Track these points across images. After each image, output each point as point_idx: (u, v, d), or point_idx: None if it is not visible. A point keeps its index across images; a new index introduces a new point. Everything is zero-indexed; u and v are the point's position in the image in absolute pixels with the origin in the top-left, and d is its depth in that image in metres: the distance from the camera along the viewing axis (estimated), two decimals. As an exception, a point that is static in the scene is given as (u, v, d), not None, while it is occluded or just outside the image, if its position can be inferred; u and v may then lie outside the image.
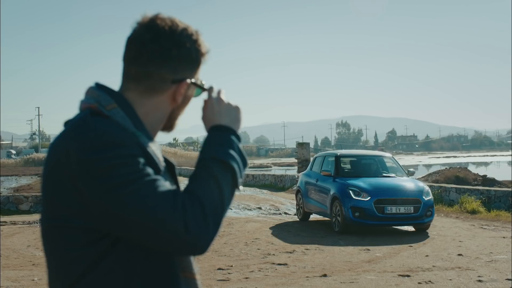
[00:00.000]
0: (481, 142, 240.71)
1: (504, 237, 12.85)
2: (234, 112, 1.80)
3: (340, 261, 10.34)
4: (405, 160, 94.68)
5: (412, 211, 13.44)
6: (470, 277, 8.99)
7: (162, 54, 1.70)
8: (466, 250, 11.35)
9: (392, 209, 13.38)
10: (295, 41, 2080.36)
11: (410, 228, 14.27)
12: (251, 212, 18.99)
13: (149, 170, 1.59)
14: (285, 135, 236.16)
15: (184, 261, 1.74)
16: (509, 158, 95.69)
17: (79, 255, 1.61)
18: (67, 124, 1.71)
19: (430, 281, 8.71)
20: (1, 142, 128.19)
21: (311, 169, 16.87)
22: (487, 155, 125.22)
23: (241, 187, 1.72)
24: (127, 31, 1.79)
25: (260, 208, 19.92)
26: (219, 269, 9.70)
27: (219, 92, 1.83)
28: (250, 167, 71.70)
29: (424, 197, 13.68)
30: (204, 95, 1.85)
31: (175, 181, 1.83)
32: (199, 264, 9.95)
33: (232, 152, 1.69)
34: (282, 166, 76.82)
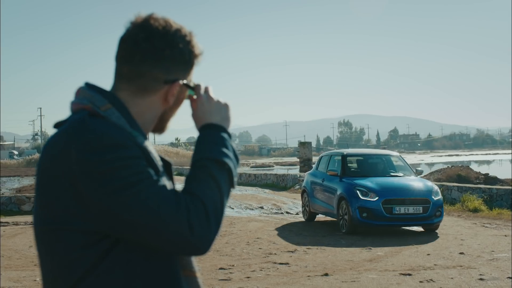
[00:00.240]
0: (483, 141, 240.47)
1: (505, 236, 12.84)
2: (224, 109, 1.81)
3: (342, 260, 10.34)
4: (407, 159, 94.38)
5: (421, 211, 13.20)
6: (472, 275, 8.99)
7: (155, 54, 1.70)
8: (468, 248, 11.35)
9: (401, 209, 13.15)
10: (296, 41, 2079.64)
11: (419, 229, 14.05)
12: (253, 211, 19.00)
13: (151, 171, 1.59)
14: (287, 135, 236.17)
15: (184, 259, 1.73)
16: (510, 157, 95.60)
17: (78, 257, 1.60)
18: (59, 125, 1.70)
19: (431, 280, 8.71)
20: (4, 143, 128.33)
21: (317, 168, 16.62)
22: (489, 154, 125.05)
23: (236, 183, 1.74)
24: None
25: (262, 207, 19.93)
26: (221, 268, 9.71)
27: (207, 90, 1.82)
28: (252, 167, 71.74)
29: (433, 196, 13.46)
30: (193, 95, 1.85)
31: (171, 180, 1.82)
32: (201, 264, 9.96)
33: (226, 151, 1.69)
34: (284, 165, 76.80)
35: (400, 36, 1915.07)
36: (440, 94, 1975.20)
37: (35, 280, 8.95)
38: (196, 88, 1.82)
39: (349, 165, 15.28)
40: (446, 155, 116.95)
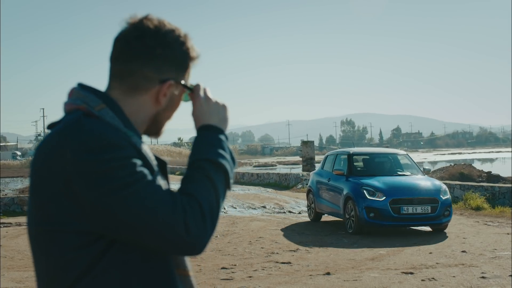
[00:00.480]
0: (486, 139, 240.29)
1: (508, 234, 12.82)
2: (222, 111, 1.81)
3: (344, 259, 10.34)
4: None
5: (429, 211, 12.97)
6: (474, 273, 8.99)
7: (146, 52, 1.70)
8: (470, 246, 11.35)
9: (409, 209, 12.92)
10: (298, 41, 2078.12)
11: (427, 229, 13.84)
12: (255, 211, 18.99)
13: (146, 171, 1.59)
14: (290, 134, 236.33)
15: (177, 258, 1.73)
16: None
17: (73, 258, 1.59)
18: (53, 126, 1.69)
19: (433, 278, 8.71)
20: (7, 144, 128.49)
21: (322, 168, 16.39)
22: (492, 152, 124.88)
23: (232, 186, 1.73)
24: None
25: (264, 207, 19.92)
26: (223, 268, 9.71)
27: (205, 91, 1.82)
28: (255, 166, 71.77)
29: (441, 196, 13.24)
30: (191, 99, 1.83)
31: (166, 179, 1.81)
32: (203, 264, 9.98)
33: (223, 152, 1.70)
34: (287, 164, 76.80)
35: (401, 35, 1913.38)
36: (442, 92, 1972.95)
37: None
38: (195, 88, 1.81)
39: (355, 164, 15.05)
40: (449, 154, 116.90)
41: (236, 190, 27.98)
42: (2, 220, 16.59)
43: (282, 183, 30.83)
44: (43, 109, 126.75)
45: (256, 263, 10.14)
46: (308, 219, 16.27)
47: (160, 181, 1.61)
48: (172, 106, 1.81)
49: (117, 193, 1.53)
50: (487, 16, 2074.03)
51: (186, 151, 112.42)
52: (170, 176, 1.85)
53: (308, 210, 16.51)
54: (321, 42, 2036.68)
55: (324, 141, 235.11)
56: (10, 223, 16.08)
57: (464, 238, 12.43)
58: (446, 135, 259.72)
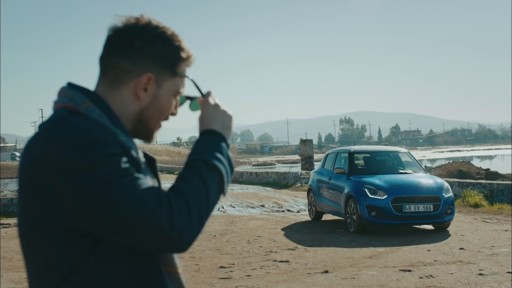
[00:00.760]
0: (485, 136, 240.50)
1: (506, 230, 12.84)
2: (227, 119, 1.80)
3: (342, 257, 10.36)
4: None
5: (432, 209, 12.85)
6: (471, 270, 9.01)
7: (124, 44, 1.71)
8: (468, 244, 11.36)
9: (411, 208, 12.78)
10: (297, 39, 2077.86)
11: (428, 227, 13.73)
12: (254, 210, 18.98)
13: (131, 168, 1.58)
14: (289, 132, 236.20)
15: (165, 255, 1.73)
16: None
17: (61, 256, 1.59)
18: (42, 126, 1.69)
19: (431, 275, 8.72)
20: (5, 145, 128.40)
21: (323, 166, 16.24)
22: (491, 149, 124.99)
23: (227, 191, 1.73)
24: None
25: (263, 205, 19.91)
26: (221, 267, 9.72)
27: (214, 98, 1.83)
28: (254, 165, 71.78)
29: (444, 194, 13.11)
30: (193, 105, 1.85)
31: (155, 176, 1.82)
32: (201, 263, 10.00)
33: (221, 156, 1.69)
34: (286, 163, 76.81)
35: (400, 33, 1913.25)
36: (441, 90, 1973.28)
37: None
38: (206, 95, 1.83)
39: (356, 162, 14.90)
40: (448, 151, 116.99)
41: (235, 189, 27.97)
42: (1, 221, 16.60)
43: (281, 182, 30.82)
44: (42, 109, 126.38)
45: (255, 261, 10.15)
46: (306, 218, 16.26)
47: (146, 178, 1.61)
48: (157, 105, 1.78)
49: (98, 189, 1.53)
50: (486, 13, 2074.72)
51: (185, 151, 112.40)
52: (169, 176, 1.87)
53: (308, 209, 16.40)
54: (319, 40, 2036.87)
55: (323, 139, 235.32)
56: (9, 224, 16.09)
57: (462, 235, 12.44)
58: (445, 132, 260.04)
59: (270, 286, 8.41)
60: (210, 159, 1.67)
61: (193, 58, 1.81)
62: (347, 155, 15.05)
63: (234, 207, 19.84)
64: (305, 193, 18.82)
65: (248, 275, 9.08)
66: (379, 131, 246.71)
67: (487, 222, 14.46)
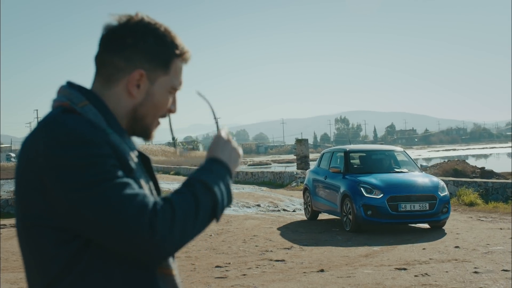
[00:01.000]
0: (480, 135, 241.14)
1: (501, 229, 12.89)
2: (236, 155, 1.81)
3: (338, 256, 10.39)
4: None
5: (428, 208, 12.86)
6: (467, 268, 9.04)
7: (116, 41, 1.72)
8: (463, 242, 11.40)
9: (406, 206, 12.79)
10: (292, 39, 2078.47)
11: (424, 226, 13.72)
12: (249, 209, 19.01)
13: (118, 172, 1.58)
14: (284, 132, 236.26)
15: None
16: (508, 150, 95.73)
17: (54, 255, 1.60)
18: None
19: (426, 274, 8.75)
20: (1, 146, 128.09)
21: (318, 165, 16.22)
22: (486, 147, 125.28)
23: (220, 218, 1.71)
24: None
25: (259, 205, 19.94)
26: (217, 266, 9.74)
27: (227, 133, 1.84)
28: (250, 165, 71.81)
29: (439, 192, 13.13)
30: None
31: (151, 175, 1.83)
32: (197, 262, 10.02)
33: (220, 183, 1.69)
34: (281, 163, 76.90)
35: (395, 33, 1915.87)
36: (437, 89, 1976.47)
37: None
38: (220, 128, 1.84)
39: (352, 161, 14.88)
40: (443, 150, 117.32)
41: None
42: (-3, 222, 16.58)
43: (276, 182, 30.84)
44: (37, 110, 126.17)
45: (250, 261, 10.17)
46: (302, 217, 16.29)
47: (133, 182, 1.60)
48: (151, 102, 1.78)
49: (82, 190, 1.53)
50: (482, 12, 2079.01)
51: (181, 151, 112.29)
52: (164, 176, 1.86)
53: (304, 208, 16.39)
54: (315, 40, 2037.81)
55: (318, 139, 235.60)
56: (5, 225, 16.09)
57: (457, 233, 12.48)
58: (440, 131, 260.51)
59: (266, 285, 8.43)
60: (208, 181, 1.66)
61: (189, 54, 1.81)
62: (342, 154, 15.04)
63: (229, 206, 19.81)
64: (301, 192, 18.87)
65: (244, 274, 9.10)
66: (375, 130, 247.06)
67: (482, 220, 14.50)
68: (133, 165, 1.67)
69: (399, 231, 13.16)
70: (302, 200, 17.68)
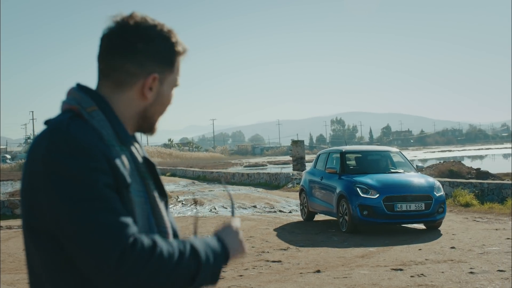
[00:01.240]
0: (475, 136, 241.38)
1: (496, 229, 12.92)
2: (240, 248, 1.82)
3: (334, 257, 10.40)
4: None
5: (423, 208, 12.88)
6: (462, 269, 9.07)
7: (127, 47, 1.72)
8: (459, 243, 11.43)
9: (402, 207, 12.82)
10: (288, 40, 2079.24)
11: (420, 226, 13.74)
12: (246, 210, 19.00)
13: (108, 193, 1.57)
14: (280, 133, 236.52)
15: None
16: (503, 151, 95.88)
17: (50, 259, 1.62)
18: (47, 123, 1.71)
19: (422, 274, 8.78)
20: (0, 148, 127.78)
21: (314, 166, 16.22)
22: (482, 149, 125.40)
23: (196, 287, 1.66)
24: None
25: (255, 206, 19.95)
26: (214, 267, 9.73)
27: (239, 224, 1.87)
28: (246, 166, 71.73)
29: (435, 193, 13.14)
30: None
31: (156, 180, 1.84)
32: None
33: (211, 258, 1.68)
34: (277, 164, 76.75)
35: (390, 34, 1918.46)
36: (432, 90, 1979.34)
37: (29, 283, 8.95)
38: (235, 217, 1.89)
39: (348, 162, 14.88)
40: (439, 151, 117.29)
41: (227, 189, 27.94)
42: (-7, 224, 16.55)
43: (272, 183, 30.86)
44: (32, 112, 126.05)
45: (247, 262, 10.19)
46: (298, 218, 16.30)
47: (119, 209, 1.57)
48: (161, 101, 1.81)
49: (68, 203, 1.54)
50: (478, 13, 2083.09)
51: (177, 152, 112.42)
52: (161, 178, 1.86)
53: (300, 209, 16.40)
54: (311, 41, 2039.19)
55: (314, 140, 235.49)
56: (1, 226, 16.05)
57: (453, 234, 12.51)
58: (436, 132, 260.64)
59: (262, 286, 8.44)
60: (198, 248, 1.65)
61: (188, 50, 1.84)
62: (338, 155, 15.05)
63: (226, 208, 19.86)
64: (297, 193, 18.85)
65: (241, 275, 9.12)
66: (370, 132, 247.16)
67: (477, 221, 14.53)
68: (129, 180, 1.66)
69: (395, 232, 13.19)
70: (298, 201, 17.68)
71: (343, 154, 14.96)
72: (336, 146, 20.19)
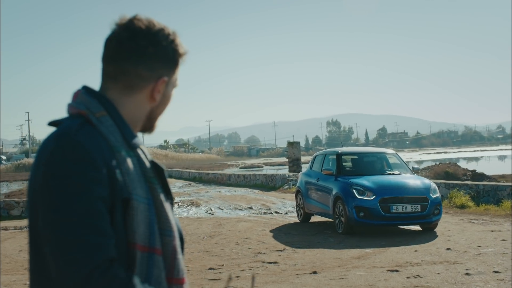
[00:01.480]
0: (471, 137, 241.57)
1: (492, 231, 12.97)
2: None
3: (330, 258, 10.43)
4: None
5: (419, 210, 12.92)
6: (458, 270, 9.10)
7: (138, 51, 1.74)
8: (455, 244, 11.47)
9: (398, 208, 12.83)
10: (285, 41, 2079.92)
11: (416, 228, 13.79)
12: (242, 212, 19.03)
13: (98, 207, 1.58)
14: (276, 135, 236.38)
15: (171, 266, 1.75)
16: (499, 153, 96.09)
17: (47, 262, 1.61)
18: (53, 124, 1.73)
19: (418, 275, 8.81)
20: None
21: (311, 168, 16.26)
22: (477, 150, 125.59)
23: None
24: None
25: (251, 208, 19.96)
26: (210, 268, 9.77)
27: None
28: (241, 167, 71.73)
29: (431, 194, 13.19)
30: None
31: (163, 185, 1.84)
32: (190, 264, 10.03)
33: None
34: (273, 165, 76.80)
35: (387, 36, 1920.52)
36: (428, 91, 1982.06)
37: (25, 284, 8.97)
38: (253, 280, 1.94)
39: (344, 164, 14.90)
40: (434, 153, 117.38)
41: (223, 191, 28.03)
42: (-11, 225, 16.53)
43: (268, 184, 30.88)
44: (28, 113, 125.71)
45: (243, 263, 10.21)
46: (294, 220, 16.32)
47: (104, 228, 1.58)
48: (165, 102, 1.85)
49: (55, 208, 1.55)
50: (475, 14, 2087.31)
51: (172, 154, 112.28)
52: None
53: (297, 210, 16.41)
54: (308, 41, 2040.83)
55: (310, 142, 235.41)
56: (-3, 227, 16.03)
57: (449, 236, 12.55)
58: (431, 134, 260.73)
59: (259, 287, 8.46)
60: None
61: (188, 51, 1.87)
62: (335, 156, 15.07)
63: (222, 209, 19.88)
64: (293, 195, 18.89)
65: (237, 276, 9.13)
66: (366, 133, 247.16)
67: (473, 222, 14.58)
68: (126, 193, 1.67)
69: (391, 233, 13.22)
70: (294, 203, 17.72)
71: (339, 155, 14.98)
72: (332, 147, 20.25)
